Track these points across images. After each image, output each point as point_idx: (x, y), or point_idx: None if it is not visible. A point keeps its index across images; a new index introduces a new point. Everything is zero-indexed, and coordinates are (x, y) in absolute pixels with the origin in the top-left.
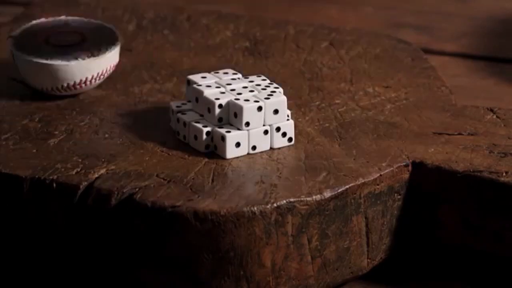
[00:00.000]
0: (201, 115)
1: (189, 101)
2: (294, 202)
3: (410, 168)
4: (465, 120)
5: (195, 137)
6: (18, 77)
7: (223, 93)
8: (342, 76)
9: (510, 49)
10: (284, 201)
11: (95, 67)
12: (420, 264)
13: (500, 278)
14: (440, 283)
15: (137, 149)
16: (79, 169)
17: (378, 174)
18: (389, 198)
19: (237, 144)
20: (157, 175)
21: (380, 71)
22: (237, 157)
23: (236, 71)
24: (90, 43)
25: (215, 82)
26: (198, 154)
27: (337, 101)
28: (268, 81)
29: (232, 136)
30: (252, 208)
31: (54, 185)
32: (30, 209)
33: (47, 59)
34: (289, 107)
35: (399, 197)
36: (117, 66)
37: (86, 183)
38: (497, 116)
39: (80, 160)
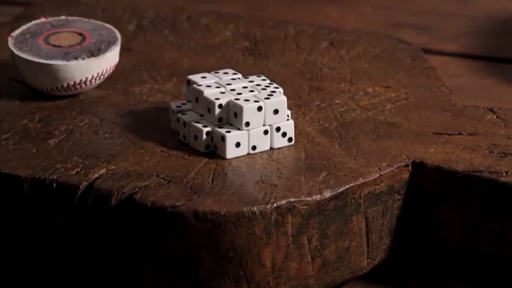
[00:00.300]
0: (201, 115)
1: (189, 101)
2: (294, 202)
3: (410, 168)
4: (465, 120)
5: (195, 137)
6: (18, 77)
7: (223, 93)
8: (342, 76)
9: (510, 49)
10: (284, 201)
11: (95, 67)
12: (420, 264)
13: (500, 278)
14: (440, 283)
15: (137, 149)
16: (79, 169)
17: (378, 174)
18: (389, 198)
19: (237, 144)
20: (157, 175)
21: (380, 71)
22: (237, 157)
23: (236, 71)
24: (90, 43)
25: (215, 82)
26: (198, 154)
27: (337, 101)
28: (268, 81)
29: (232, 136)
30: (252, 208)
31: (54, 185)
32: (30, 209)
33: (47, 59)
34: (289, 107)
35: (399, 197)
36: (117, 66)
37: (86, 183)
38: (497, 116)
39: (80, 160)
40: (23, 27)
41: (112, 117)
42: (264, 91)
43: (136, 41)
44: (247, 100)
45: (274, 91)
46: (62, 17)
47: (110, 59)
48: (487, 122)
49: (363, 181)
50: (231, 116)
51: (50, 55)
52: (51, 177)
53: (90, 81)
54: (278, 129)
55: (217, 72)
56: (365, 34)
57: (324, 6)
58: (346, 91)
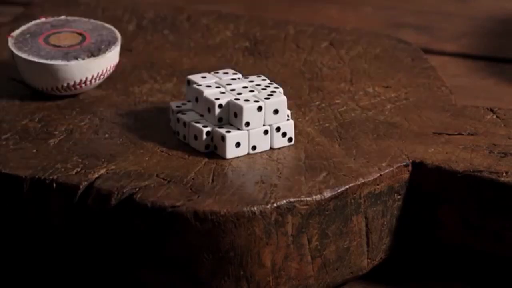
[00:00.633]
0: (201, 115)
1: (189, 101)
2: (294, 202)
3: (410, 168)
4: (465, 120)
5: (195, 137)
6: (18, 77)
7: (223, 93)
8: (342, 76)
9: (510, 49)
10: (284, 201)
11: (95, 67)
12: (420, 264)
13: (500, 278)
14: (440, 283)
15: (137, 149)
16: (79, 169)
17: (378, 174)
18: (389, 198)
19: (237, 144)
20: (157, 175)
21: (380, 71)
22: (237, 157)
23: (236, 71)
24: (90, 43)
25: (215, 82)
26: (198, 154)
27: (337, 101)
28: (268, 81)
29: (232, 136)
30: (252, 208)
31: (54, 185)
32: (30, 209)
33: (47, 59)
34: (289, 107)
35: (399, 197)
36: (117, 66)
37: (86, 183)
38: (497, 116)
39: (80, 160)
40: (23, 27)
41: (112, 117)
42: (264, 91)
43: (136, 41)
44: (247, 100)
45: (274, 91)
46: (62, 17)
47: (110, 59)
48: (487, 122)
49: (363, 181)
50: (231, 116)
51: (50, 55)
52: (51, 177)
53: (90, 81)
54: (278, 129)
55: (217, 72)
56: (365, 34)
57: (324, 6)
58: (346, 91)
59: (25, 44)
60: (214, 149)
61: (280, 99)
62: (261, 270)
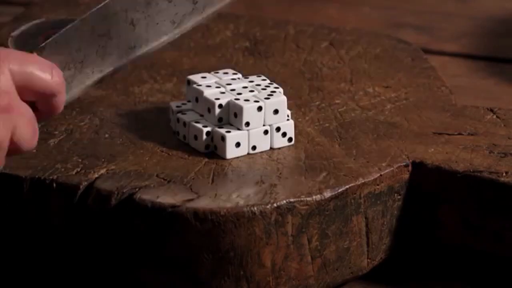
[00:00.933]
0: (201, 115)
1: (189, 101)
2: (294, 202)
3: (410, 168)
4: (465, 120)
5: (195, 137)
6: None
7: (223, 93)
8: (342, 76)
9: (510, 49)
10: (284, 201)
11: None
12: (420, 264)
13: (500, 278)
14: (440, 283)
15: (137, 149)
16: (79, 169)
17: (378, 174)
18: (389, 198)
19: (237, 144)
20: (157, 175)
21: (380, 71)
22: (237, 157)
23: (236, 71)
24: None
25: (215, 82)
26: (198, 154)
27: (337, 101)
28: (268, 81)
29: (232, 136)
30: (252, 208)
31: (54, 185)
32: (30, 209)
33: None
34: (289, 107)
35: (399, 197)
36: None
37: (86, 183)
38: (497, 116)
39: (80, 160)
40: (23, 27)
41: (112, 117)
42: (264, 91)
43: None
44: (247, 100)
45: (274, 91)
46: (62, 17)
47: None
48: (487, 122)
49: (363, 181)
50: (231, 116)
51: None
52: (51, 177)
53: None
54: (278, 129)
55: (217, 72)
56: (365, 34)
57: (324, 6)
58: (346, 91)
59: (25, 44)
60: (214, 149)
61: (280, 99)
62: (261, 270)
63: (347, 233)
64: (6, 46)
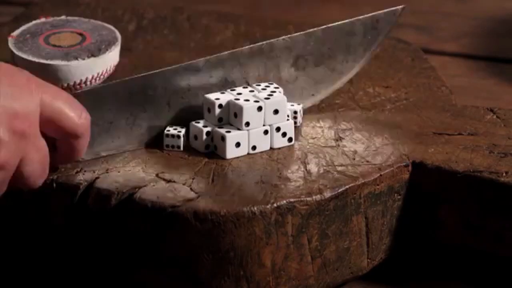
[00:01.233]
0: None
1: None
2: (294, 202)
3: (410, 168)
4: (465, 120)
5: (195, 137)
6: None
7: (223, 93)
8: None
9: (510, 49)
10: (284, 201)
11: (95, 67)
12: (420, 264)
13: (500, 278)
14: (440, 283)
15: (137, 149)
16: (79, 169)
17: (378, 174)
18: (389, 198)
19: (237, 144)
20: (157, 175)
21: (380, 71)
22: (237, 157)
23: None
24: (90, 43)
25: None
26: (198, 154)
27: (337, 101)
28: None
29: (232, 136)
30: (252, 208)
31: (54, 185)
32: (30, 209)
33: (47, 59)
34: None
35: (399, 197)
36: (117, 66)
37: (86, 183)
38: (497, 116)
39: (80, 160)
40: (23, 27)
41: None
42: (264, 91)
43: (136, 41)
44: (247, 100)
45: (274, 91)
46: (62, 17)
47: (110, 59)
48: (487, 122)
49: (363, 181)
50: (231, 116)
51: (50, 55)
52: (51, 177)
53: (90, 81)
54: (278, 129)
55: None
56: None
57: (324, 6)
58: (346, 91)
59: (25, 44)
60: (214, 149)
61: (280, 99)
62: (261, 270)
63: (347, 233)
64: (6, 46)
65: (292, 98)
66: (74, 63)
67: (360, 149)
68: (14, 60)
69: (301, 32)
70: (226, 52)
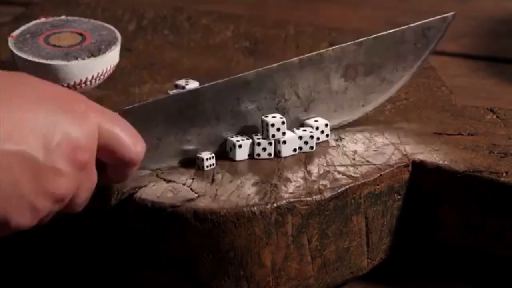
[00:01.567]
0: None
1: None
2: (294, 202)
3: (410, 168)
4: (465, 120)
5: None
6: None
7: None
8: None
9: (510, 49)
10: (284, 201)
11: (95, 67)
12: (420, 264)
13: (500, 278)
14: (440, 283)
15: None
16: None
17: (378, 174)
18: (389, 198)
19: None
20: (157, 175)
21: None
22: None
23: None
24: (90, 43)
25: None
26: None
27: None
28: None
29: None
30: (252, 208)
31: None
32: None
33: (47, 59)
34: None
35: (399, 197)
36: (117, 66)
37: None
38: (497, 116)
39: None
40: (23, 27)
41: None
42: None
43: (136, 41)
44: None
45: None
46: (62, 17)
47: (110, 59)
48: (487, 122)
49: (363, 181)
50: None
51: (50, 55)
52: None
53: (90, 81)
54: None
55: None
56: (365, 34)
57: (324, 6)
58: None
59: (25, 44)
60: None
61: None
62: (261, 270)
63: (347, 233)
64: (6, 46)
65: (342, 110)
66: (74, 63)
67: (360, 149)
68: (14, 60)
69: (350, 42)
70: (275, 64)
